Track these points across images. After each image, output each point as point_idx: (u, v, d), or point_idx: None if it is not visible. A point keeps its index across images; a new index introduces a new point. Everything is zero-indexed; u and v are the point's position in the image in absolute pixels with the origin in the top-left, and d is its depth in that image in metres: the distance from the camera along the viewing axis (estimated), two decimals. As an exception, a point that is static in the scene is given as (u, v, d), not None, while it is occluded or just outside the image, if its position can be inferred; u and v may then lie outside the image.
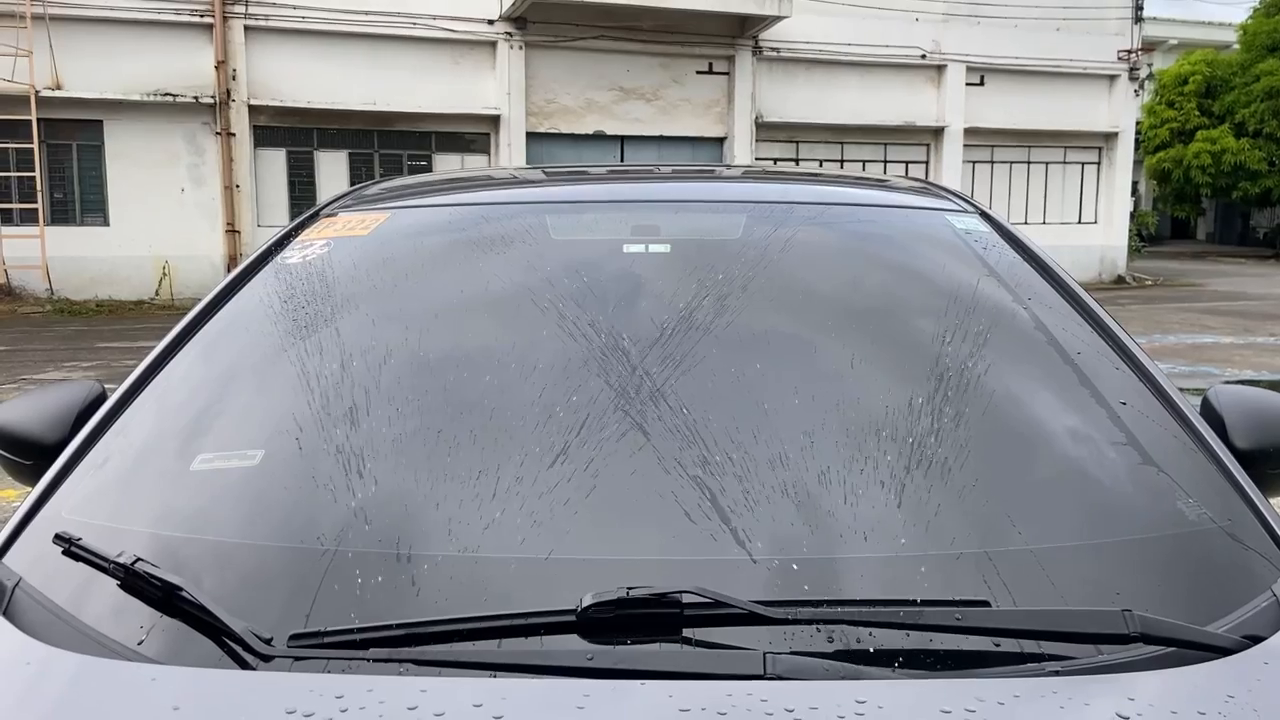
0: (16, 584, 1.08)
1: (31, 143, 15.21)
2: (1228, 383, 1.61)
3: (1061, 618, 0.96)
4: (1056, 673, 0.92)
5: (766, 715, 0.82)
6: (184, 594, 0.96)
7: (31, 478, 1.42)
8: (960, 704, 0.85)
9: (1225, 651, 0.94)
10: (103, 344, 11.92)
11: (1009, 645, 0.94)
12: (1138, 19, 21.10)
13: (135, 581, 0.99)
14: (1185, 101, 28.11)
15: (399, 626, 0.94)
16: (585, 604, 0.91)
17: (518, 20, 17.02)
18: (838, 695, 0.85)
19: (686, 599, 0.92)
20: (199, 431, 1.32)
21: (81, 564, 1.07)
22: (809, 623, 0.94)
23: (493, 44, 17.27)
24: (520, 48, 17.28)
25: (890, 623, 0.93)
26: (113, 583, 1.01)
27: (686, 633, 0.93)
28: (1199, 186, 28.15)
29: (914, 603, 0.98)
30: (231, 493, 1.21)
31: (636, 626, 0.92)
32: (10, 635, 0.99)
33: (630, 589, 0.92)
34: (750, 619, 0.92)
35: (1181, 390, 1.39)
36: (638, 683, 0.87)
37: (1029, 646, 0.94)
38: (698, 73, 18.48)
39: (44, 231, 15.44)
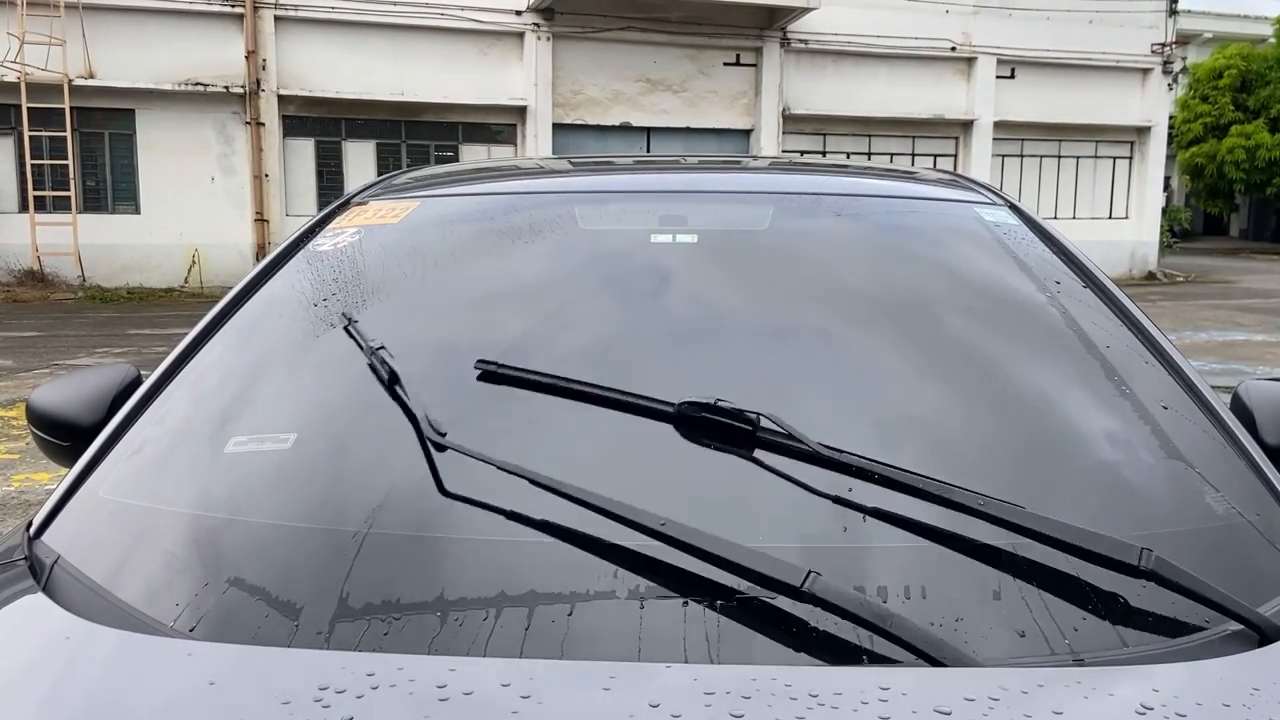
0: (55, 561, 1.11)
1: (64, 131, 15.40)
2: (1258, 379, 1.59)
3: (1082, 535, 0.98)
4: (1080, 663, 0.92)
5: (790, 700, 0.83)
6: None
7: (68, 458, 1.45)
8: (984, 692, 0.85)
9: (1233, 614, 0.95)
10: (134, 330, 12.07)
11: (1034, 635, 0.95)
12: (1172, 12, 20.81)
13: (172, 559, 1.01)
14: (1220, 96, 27.70)
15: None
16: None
17: (545, 11, 17.03)
18: (861, 681, 0.86)
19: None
20: (233, 415, 1.34)
21: (118, 542, 1.09)
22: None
23: (520, 35, 17.28)
24: (547, 39, 17.28)
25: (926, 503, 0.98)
26: (149, 560, 1.03)
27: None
28: (1233, 182, 27.75)
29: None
30: (265, 475, 1.23)
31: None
32: (50, 611, 1.02)
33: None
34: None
35: (1213, 387, 1.38)
36: (663, 665, 0.88)
37: (1054, 638, 0.94)
38: (725, 64, 18.42)
39: (76, 219, 15.63)
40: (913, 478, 1.05)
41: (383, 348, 1.32)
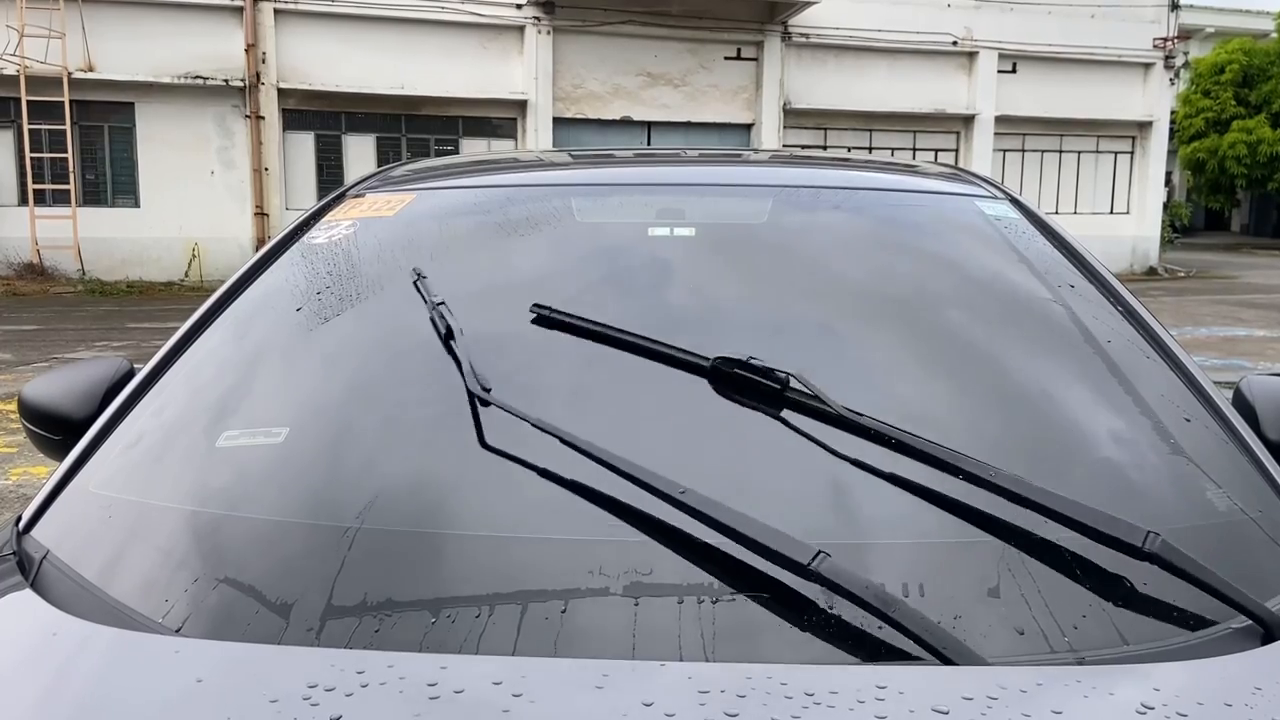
0: (44, 556, 1.10)
1: (64, 124, 15.38)
2: (1261, 374, 1.58)
3: (1090, 513, 0.98)
4: (1081, 661, 0.91)
5: (786, 699, 0.82)
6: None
7: (60, 452, 1.44)
8: (982, 691, 0.84)
9: (1234, 605, 0.94)
10: (133, 324, 12.06)
11: (1033, 634, 0.93)
12: (1174, 6, 20.77)
13: (161, 555, 1.00)
14: (1221, 91, 27.65)
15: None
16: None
17: (546, 5, 16.99)
18: (858, 680, 0.85)
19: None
20: (225, 409, 1.33)
21: (108, 537, 1.08)
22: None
23: (520, 28, 17.25)
24: (548, 32, 17.25)
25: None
26: (138, 556, 1.02)
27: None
28: (1234, 177, 27.72)
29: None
30: (256, 469, 1.22)
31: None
32: (37, 607, 1.01)
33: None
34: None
35: (1214, 383, 1.37)
36: (657, 663, 0.87)
37: (1054, 636, 0.93)
38: (726, 58, 18.38)
39: (76, 213, 15.61)
40: (924, 443, 1.07)
41: (375, 341, 1.31)
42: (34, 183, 15.50)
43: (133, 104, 16.05)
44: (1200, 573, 0.95)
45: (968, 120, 19.95)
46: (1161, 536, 0.95)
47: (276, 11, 16.23)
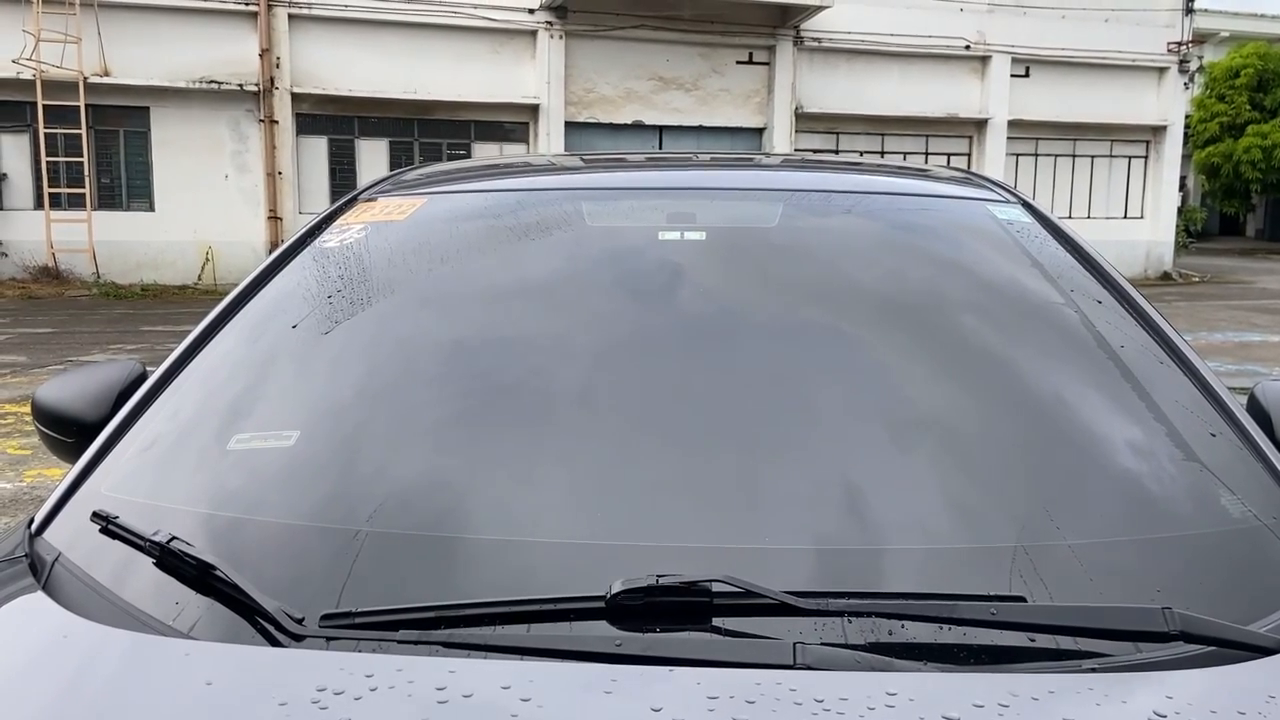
0: (56, 559, 1.10)
1: (79, 128, 15.47)
2: (1276, 380, 1.57)
3: (1100, 614, 0.93)
4: (1093, 669, 0.90)
5: (795, 705, 0.82)
6: (218, 572, 0.97)
7: (73, 455, 1.45)
8: (994, 698, 0.83)
9: (1268, 651, 0.92)
10: (147, 327, 12.12)
11: (1045, 640, 0.93)
12: (1188, 10, 20.66)
13: (170, 559, 1.00)
14: (1236, 95, 27.49)
15: (429, 609, 0.94)
16: (615, 590, 0.91)
17: (558, 9, 17.02)
18: (868, 687, 0.84)
19: (717, 588, 0.91)
20: (236, 412, 1.33)
21: (118, 541, 1.08)
22: (840, 614, 0.93)
23: (533, 33, 17.28)
24: (560, 37, 17.28)
25: (923, 616, 0.92)
26: (149, 559, 1.02)
27: (716, 621, 0.92)
28: (1249, 182, 27.56)
29: (948, 596, 0.96)
30: (267, 472, 1.22)
31: (666, 614, 0.92)
32: (48, 609, 1.01)
33: (660, 577, 0.91)
34: (781, 609, 0.92)
35: (1229, 389, 1.35)
36: (666, 669, 0.87)
37: (1065, 642, 0.93)
38: (738, 63, 18.38)
39: (91, 216, 15.70)
40: (906, 605, 0.94)
41: (386, 345, 1.31)
42: (50, 186, 15.58)
43: (148, 108, 16.13)
44: (1225, 632, 0.92)
45: (980, 124, 19.89)
46: (1176, 610, 0.90)
47: (290, 16, 16.30)
